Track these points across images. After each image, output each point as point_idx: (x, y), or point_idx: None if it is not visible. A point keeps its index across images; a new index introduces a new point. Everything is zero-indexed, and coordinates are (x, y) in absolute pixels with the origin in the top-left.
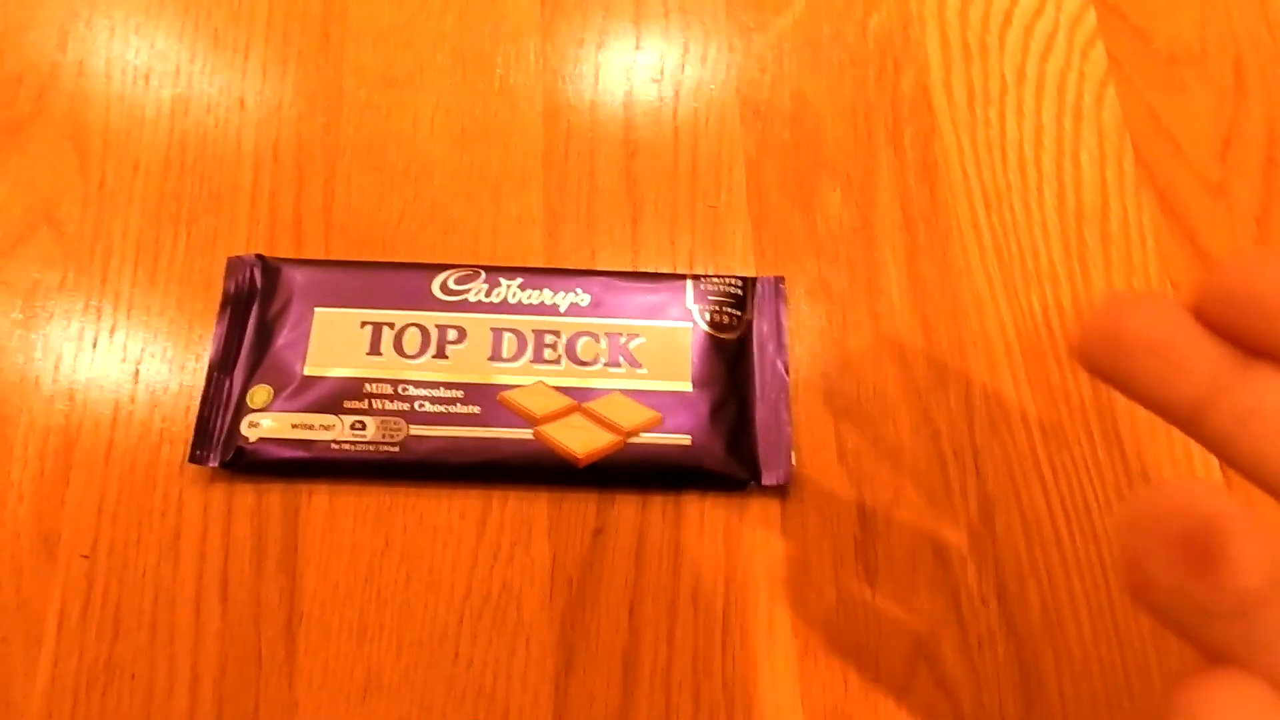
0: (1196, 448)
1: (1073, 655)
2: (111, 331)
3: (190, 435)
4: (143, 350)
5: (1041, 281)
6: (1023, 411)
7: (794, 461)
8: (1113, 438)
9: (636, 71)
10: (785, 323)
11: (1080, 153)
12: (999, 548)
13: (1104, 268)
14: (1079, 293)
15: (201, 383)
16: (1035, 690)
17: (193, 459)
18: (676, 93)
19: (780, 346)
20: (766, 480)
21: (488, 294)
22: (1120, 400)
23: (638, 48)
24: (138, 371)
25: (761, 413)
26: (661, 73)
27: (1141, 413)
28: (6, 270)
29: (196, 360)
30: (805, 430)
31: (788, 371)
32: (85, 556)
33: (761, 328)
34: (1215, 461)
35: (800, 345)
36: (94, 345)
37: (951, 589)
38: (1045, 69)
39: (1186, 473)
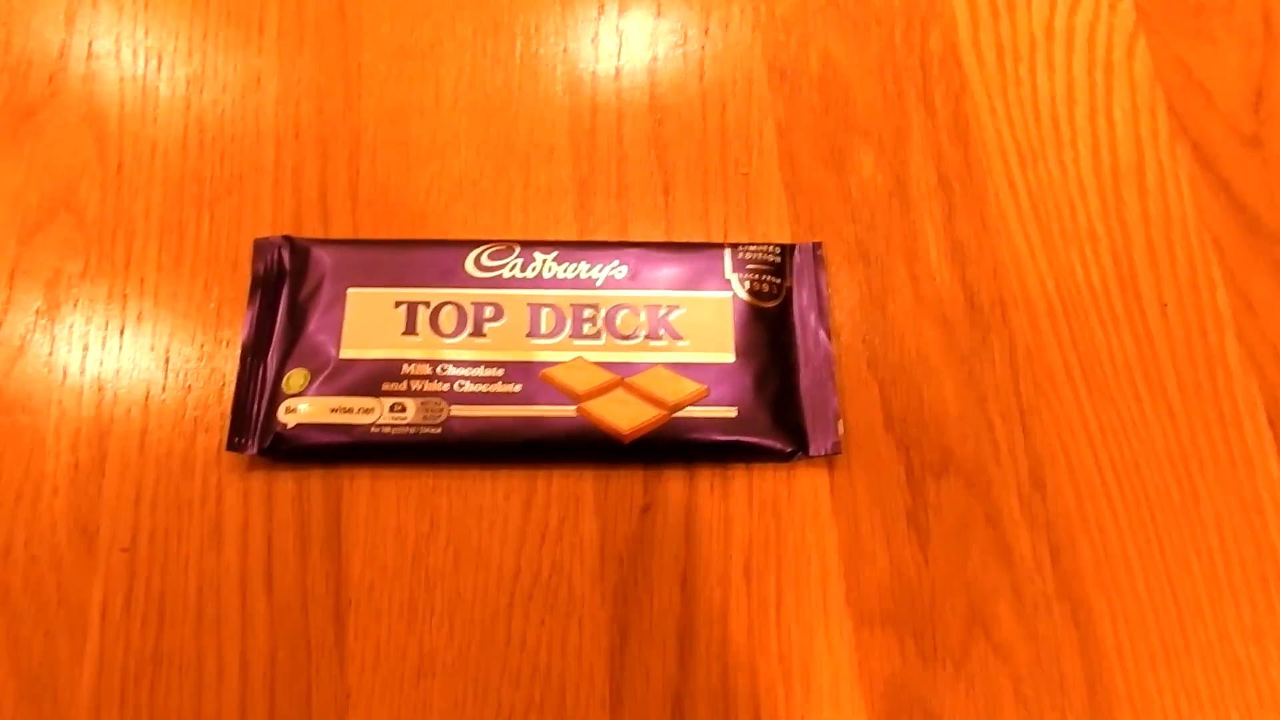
0: (1243, 403)
1: (1129, 613)
2: (139, 318)
3: (226, 422)
4: (171, 336)
5: (1080, 239)
6: (1068, 371)
7: (841, 430)
8: (1159, 392)
9: (660, 37)
10: (825, 289)
11: (1113, 107)
12: (1050, 509)
13: (1142, 223)
14: (1119, 249)
15: (234, 368)
16: (1093, 651)
17: (231, 446)
18: (701, 58)
19: (821, 313)
20: (814, 450)
21: (523, 269)
22: (1165, 356)
23: (659, 14)
24: (168, 358)
25: (806, 381)
26: (685, 37)
27: (1186, 368)
28: (26, 259)
29: (227, 345)
30: (850, 398)
31: (830, 338)
32: (125, 550)
33: (801, 295)
34: (1264, 418)
35: (841, 311)
36: (121, 333)
37: (1005, 553)
38: (1074, 23)
39: (1234, 429)
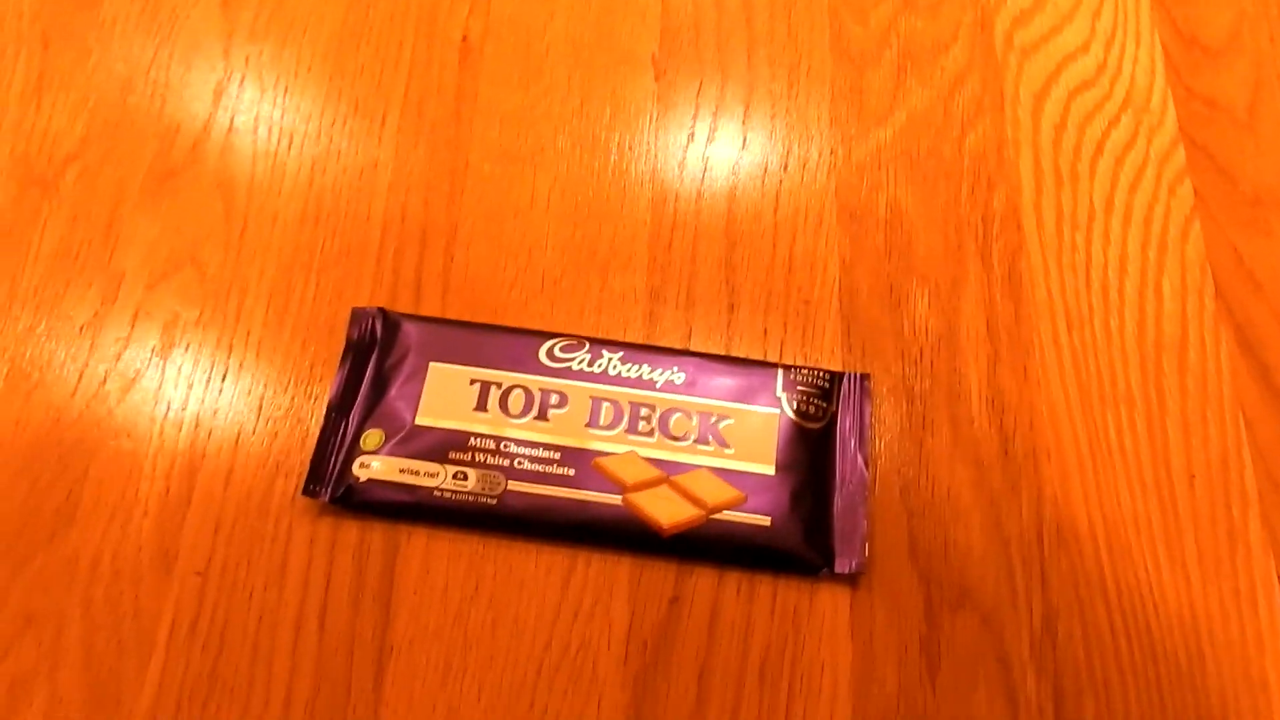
0: (1260, 582)
1: None
2: (240, 367)
3: (304, 469)
4: (267, 386)
5: (1118, 403)
6: (1091, 527)
7: (867, 553)
8: (1178, 561)
9: (741, 168)
10: (868, 419)
11: (1163, 283)
12: (1060, 658)
13: (1179, 396)
14: (1154, 417)
15: (319, 421)
16: None
17: (306, 492)
18: (778, 191)
19: (862, 441)
20: (839, 568)
21: (590, 364)
22: (1188, 525)
23: (744, 146)
24: (261, 406)
25: (839, 503)
26: (765, 171)
27: (1208, 540)
28: (150, 302)
29: (315, 401)
30: (880, 524)
31: (868, 466)
32: (199, 574)
33: (845, 421)
34: (1279, 598)
35: (880, 441)
36: (223, 378)
37: (1010, 693)
38: (1133, 200)
39: (1248, 606)
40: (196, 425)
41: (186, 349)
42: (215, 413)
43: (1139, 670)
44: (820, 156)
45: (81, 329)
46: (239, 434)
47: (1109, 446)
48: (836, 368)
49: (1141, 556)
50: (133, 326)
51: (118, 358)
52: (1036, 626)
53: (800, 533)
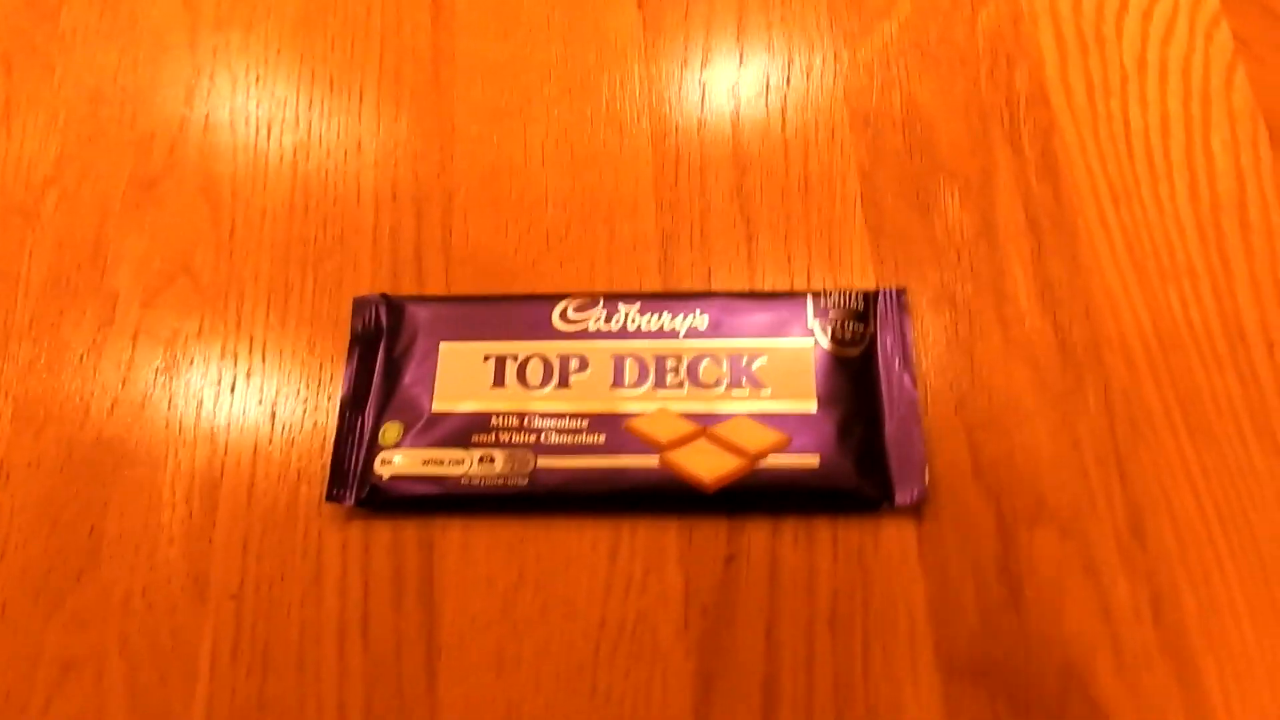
0: None
1: (1238, 669)
2: (248, 375)
3: (326, 473)
4: (277, 391)
5: (1179, 276)
6: (1167, 413)
7: (928, 478)
8: (1266, 434)
9: (742, 88)
10: (910, 335)
11: (1211, 139)
12: (1151, 558)
13: (1245, 258)
14: (1220, 286)
15: (334, 421)
16: (1198, 710)
17: (330, 498)
18: (783, 106)
19: (906, 360)
20: (900, 500)
21: (607, 320)
22: (1273, 396)
23: (741, 64)
24: (274, 413)
25: (891, 429)
26: (767, 87)
27: None
28: (149, 320)
29: (329, 399)
30: (938, 445)
31: (915, 385)
32: (234, 597)
33: (885, 342)
34: None
35: (927, 358)
36: (232, 389)
37: (1102, 605)
38: (1167, 54)
39: None
40: (211, 442)
41: (191, 364)
42: (229, 426)
43: (1240, 559)
44: (824, 62)
45: (82, 357)
46: (256, 445)
47: (1175, 324)
48: (869, 286)
49: (1227, 436)
50: (134, 348)
51: (123, 383)
52: (1122, 528)
53: (853, 468)
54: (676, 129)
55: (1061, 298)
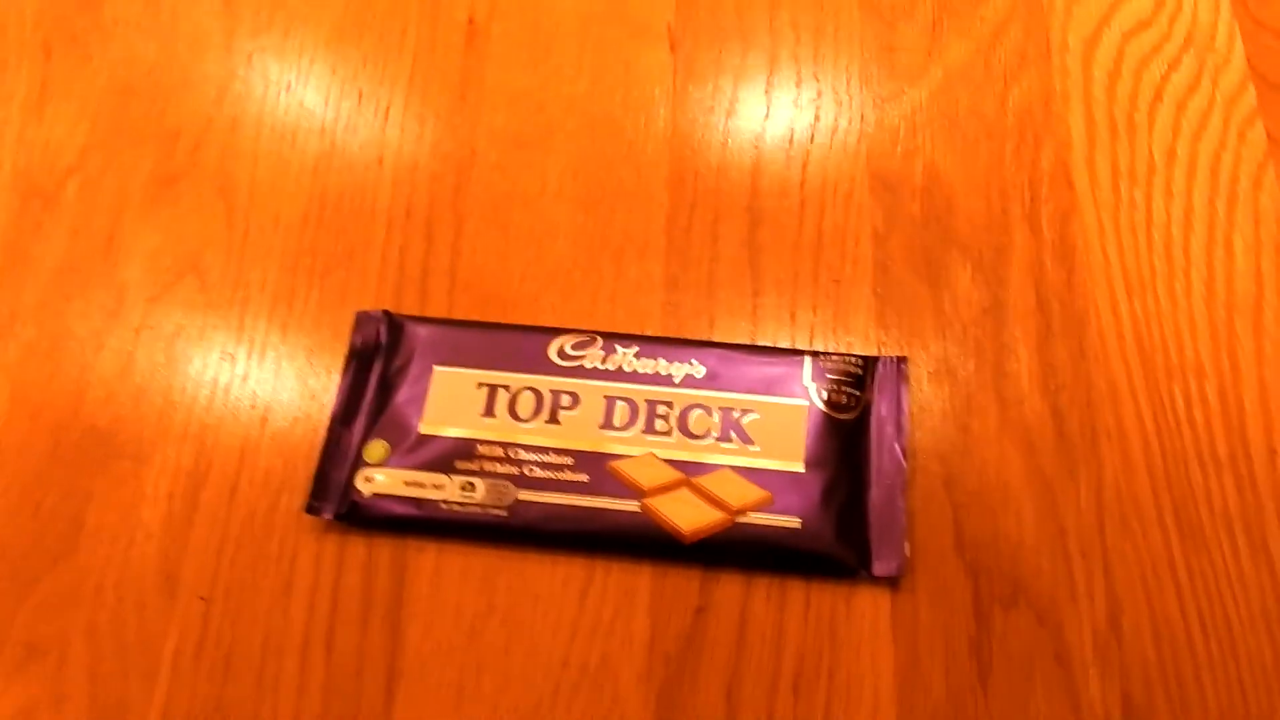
0: None
1: None
2: (244, 380)
3: (309, 484)
4: (272, 398)
5: (1186, 374)
6: (1159, 511)
7: (907, 551)
8: (1259, 545)
9: (765, 140)
10: (906, 405)
11: (1234, 238)
12: (1126, 656)
13: (1255, 362)
14: (1226, 388)
15: (323, 433)
16: None
17: (309, 510)
18: (805, 162)
19: (899, 430)
20: (877, 570)
21: (603, 361)
22: (1270, 506)
23: (768, 116)
24: (265, 419)
25: (875, 498)
26: (790, 141)
27: None
28: (154, 315)
29: (321, 410)
30: (921, 518)
31: (906, 456)
32: (203, 598)
33: (880, 409)
34: None
35: (921, 429)
36: (227, 391)
37: (1071, 697)
38: (1198, 148)
39: None
40: (200, 442)
41: (190, 363)
42: (219, 428)
43: (1217, 668)
44: (850, 122)
45: (84, 345)
46: (243, 449)
47: (1177, 422)
48: (871, 351)
49: (1218, 542)
50: (135, 342)
51: (120, 374)
52: (1100, 622)
53: (833, 533)
54: (695, 174)
55: (1064, 383)
